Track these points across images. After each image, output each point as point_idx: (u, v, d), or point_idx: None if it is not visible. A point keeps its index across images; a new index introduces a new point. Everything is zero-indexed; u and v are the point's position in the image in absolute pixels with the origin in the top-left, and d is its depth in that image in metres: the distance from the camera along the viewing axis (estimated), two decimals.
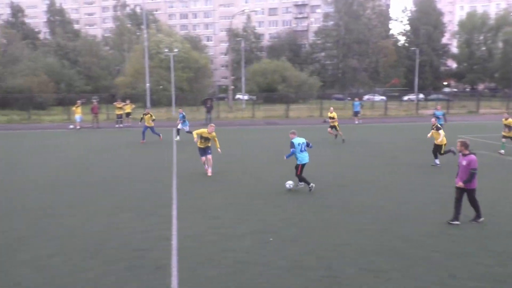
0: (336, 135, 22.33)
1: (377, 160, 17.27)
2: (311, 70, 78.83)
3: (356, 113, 33.39)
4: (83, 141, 23.67)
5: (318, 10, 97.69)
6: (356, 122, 32.65)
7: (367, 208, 10.44)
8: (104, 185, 13.03)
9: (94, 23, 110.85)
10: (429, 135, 16.07)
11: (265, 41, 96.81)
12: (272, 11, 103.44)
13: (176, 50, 51.58)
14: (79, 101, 30.25)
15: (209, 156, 14.13)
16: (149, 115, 22.61)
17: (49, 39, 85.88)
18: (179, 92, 49.83)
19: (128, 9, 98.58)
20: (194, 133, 14.25)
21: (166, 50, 53.13)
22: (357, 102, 33.97)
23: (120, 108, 31.38)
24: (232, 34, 70.66)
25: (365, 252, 7.78)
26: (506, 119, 17.98)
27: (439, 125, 15.75)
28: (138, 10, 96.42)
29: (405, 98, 60.86)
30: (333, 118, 22.12)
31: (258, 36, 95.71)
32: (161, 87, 54.41)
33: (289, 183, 12.02)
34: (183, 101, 42.57)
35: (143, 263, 7.31)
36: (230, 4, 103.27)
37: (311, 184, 11.84)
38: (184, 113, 23.36)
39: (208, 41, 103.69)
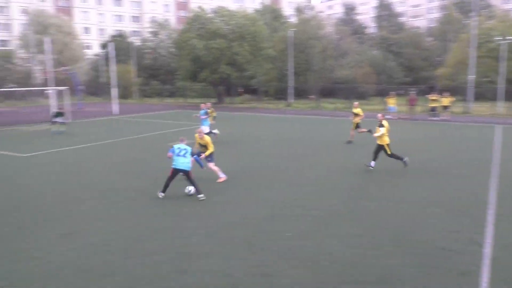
0: (365, 132, 18.66)
1: None
2: None
3: None
4: (400, 131, 24.09)
5: None
6: None
7: None
8: (414, 176, 12.88)
9: (419, 15, 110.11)
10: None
11: None
12: None
13: (510, 37, 45.45)
14: (392, 92, 31.11)
15: (209, 164, 12.50)
16: (210, 110, 19.72)
17: (375, 33, 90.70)
18: (509, 85, 43.95)
19: None
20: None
21: (499, 38, 47.47)
22: None
23: (435, 100, 30.34)
24: None
25: None
26: None
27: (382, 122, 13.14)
28: None
29: None
30: (357, 114, 18.84)
31: None
32: (487, 78, 49.26)
33: (188, 189, 10.91)
34: None
35: (447, 264, 6.88)
36: None
37: (161, 193, 10.64)
38: (206, 109, 19.22)
39: None
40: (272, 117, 33.35)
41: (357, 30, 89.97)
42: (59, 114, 23.10)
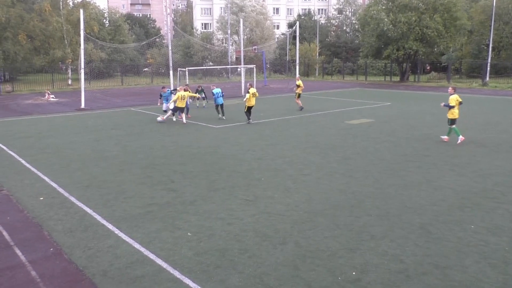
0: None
1: None
2: None
3: None
4: None
5: None
6: None
7: None
8: None
9: None
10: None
11: None
12: None
13: None
14: None
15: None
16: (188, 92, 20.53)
17: None
18: None
19: None
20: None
21: None
22: None
23: None
24: None
25: None
26: None
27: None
28: None
29: None
30: (299, 86, 23.13)
31: None
32: None
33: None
34: None
35: None
36: None
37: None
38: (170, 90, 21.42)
39: None
40: (463, 98, 30.16)
41: None
42: (199, 91, 24.98)
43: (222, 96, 20.22)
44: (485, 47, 45.58)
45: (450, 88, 15.08)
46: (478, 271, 5.95)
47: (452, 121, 14.44)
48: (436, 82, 45.39)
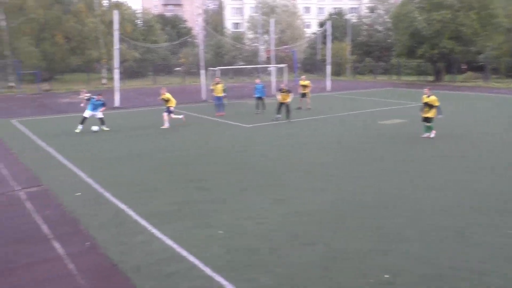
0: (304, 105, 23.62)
1: None
2: None
3: None
4: None
5: None
6: None
7: None
8: None
9: None
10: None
11: None
12: None
13: None
14: None
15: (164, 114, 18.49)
16: (221, 85, 21.93)
17: None
18: None
19: None
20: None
21: None
22: None
23: None
24: None
25: None
26: None
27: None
28: None
29: None
30: (305, 86, 23.48)
31: None
32: None
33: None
34: None
35: None
36: None
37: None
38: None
39: None
40: (501, 98, 29.27)
41: None
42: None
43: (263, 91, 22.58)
44: None
45: (426, 89, 15.37)
46: None
47: (431, 120, 15.06)
48: (473, 82, 44.09)
